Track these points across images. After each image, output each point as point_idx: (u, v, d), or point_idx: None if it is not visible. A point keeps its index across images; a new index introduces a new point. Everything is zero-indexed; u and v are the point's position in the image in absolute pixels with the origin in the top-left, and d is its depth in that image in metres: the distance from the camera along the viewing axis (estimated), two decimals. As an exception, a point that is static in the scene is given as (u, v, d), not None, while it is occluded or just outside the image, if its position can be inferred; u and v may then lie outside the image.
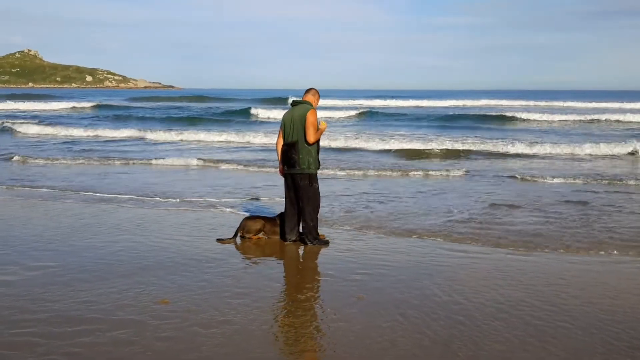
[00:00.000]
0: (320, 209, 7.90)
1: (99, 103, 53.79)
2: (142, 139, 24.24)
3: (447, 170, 14.60)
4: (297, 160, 7.44)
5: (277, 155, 7.74)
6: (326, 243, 7.63)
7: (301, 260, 7.18)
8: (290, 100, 8.24)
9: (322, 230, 8.01)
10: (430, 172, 14.48)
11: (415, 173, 14.41)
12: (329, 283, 6.20)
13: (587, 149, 18.53)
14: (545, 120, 33.67)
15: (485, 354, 4.49)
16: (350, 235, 8.20)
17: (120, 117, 38.54)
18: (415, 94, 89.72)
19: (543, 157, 17.65)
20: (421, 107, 52.51)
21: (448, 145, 19.40)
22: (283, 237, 7.89)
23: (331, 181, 12.92)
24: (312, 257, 7.23)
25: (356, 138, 21.69)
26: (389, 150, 19.22)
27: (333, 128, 26.64)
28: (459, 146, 19.34)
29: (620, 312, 5.35)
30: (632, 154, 17.82)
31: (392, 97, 66.62)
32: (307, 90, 7.79)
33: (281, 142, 7.62)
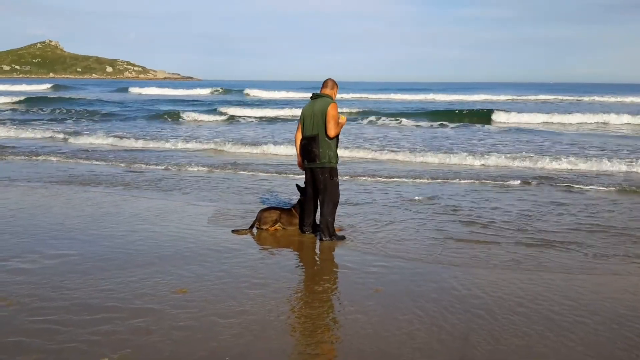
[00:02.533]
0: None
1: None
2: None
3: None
4: (317, 154, 7.29)
5: (296, 149, 7.64)
6: (342, 238, 7.52)
7: (318, 252, 7.16)
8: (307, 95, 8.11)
9: (342, 222, 7.99)
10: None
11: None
12: (346, 275, 6.19)
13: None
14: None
15: (504, 348, 4.46)
16: (369, 225, 8.15)
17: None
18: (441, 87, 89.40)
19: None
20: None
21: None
22: (301, 228, 7.88)
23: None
24: (329, 249, 7.20)
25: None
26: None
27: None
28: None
29: (642, 308, 5.28)
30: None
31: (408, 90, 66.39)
32: (325, 83, 7.58)
33: (300, 136, 7.50)
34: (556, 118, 29.51)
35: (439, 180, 12.10)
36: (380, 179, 12.33)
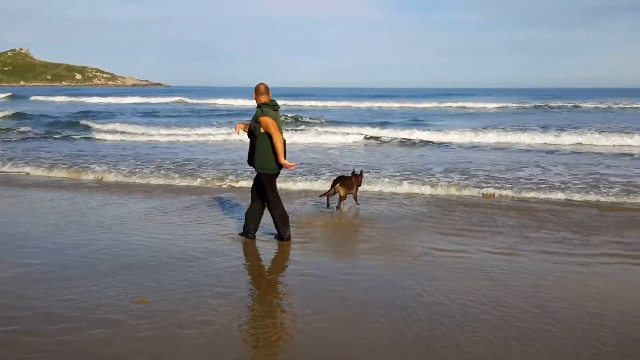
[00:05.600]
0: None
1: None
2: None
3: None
4: None
5: (283, 150, 7.49)
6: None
7: (288, 259, 7.10)
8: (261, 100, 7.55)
9: (312, 230, 7.94)
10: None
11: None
12: (314, 283, 6.13)
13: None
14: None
15: (467, 356, 4.44)
16: (336, 233, 8.13)
17: None
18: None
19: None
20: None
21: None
22: (248, 234, 7.86)
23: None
24: (296, 256, 7.14)
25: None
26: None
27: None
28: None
29: (607, 315, 5.29)
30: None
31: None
32: (267, 88, 7.52)
33: (282, 138, 7.49)
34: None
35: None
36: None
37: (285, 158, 7.43)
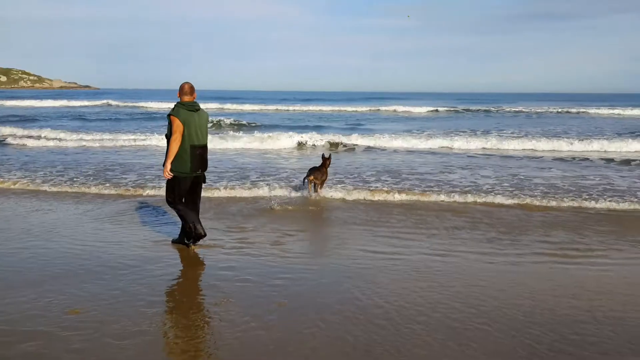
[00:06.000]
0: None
1: None
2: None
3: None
4: (207, 163, 7.51)
5: (171, 155, 7.10)
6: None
7: (223, 265, 6.98)
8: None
9: (247, 234, 7.83)
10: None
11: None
12: (249, 289, 6.04)
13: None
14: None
15: (406, 359, 4.48)
16: (272, 237, 8.07)
17: None
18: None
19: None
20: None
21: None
22: (198, 238, 7.52)
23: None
24: (232, 261, 7.02)
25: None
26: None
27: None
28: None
29: (539, 314, 5.44)
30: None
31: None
32: (189, 89, 7.29)
33: (179, 143, 7.09)
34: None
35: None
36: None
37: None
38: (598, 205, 10.51)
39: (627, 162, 16.91)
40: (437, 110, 51.70)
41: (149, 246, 7.66)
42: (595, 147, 20.50)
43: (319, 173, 11.06)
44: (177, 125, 7.05)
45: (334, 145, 20.83)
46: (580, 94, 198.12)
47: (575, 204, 10.61)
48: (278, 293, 5.90)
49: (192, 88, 7.32)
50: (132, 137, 23.23)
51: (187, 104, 7.19)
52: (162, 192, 11.31)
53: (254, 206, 10.20)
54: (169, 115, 7.16)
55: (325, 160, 11.11)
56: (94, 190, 11.88)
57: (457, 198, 11.14)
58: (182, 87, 7.29)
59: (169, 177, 7.23)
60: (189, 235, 7.46)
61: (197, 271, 6.83)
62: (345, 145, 21.04)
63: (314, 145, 21.12)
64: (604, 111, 49.88)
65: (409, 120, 38.90)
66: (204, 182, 7.62)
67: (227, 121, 32.05)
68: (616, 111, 49.49)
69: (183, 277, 6.57)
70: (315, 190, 11.09)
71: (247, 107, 55.10)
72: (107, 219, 9.28)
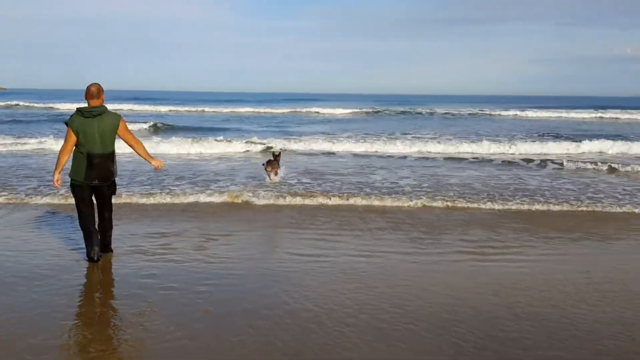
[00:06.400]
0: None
1: None
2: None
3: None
4: (113, 172, 6.96)
5: (60, 164, 6.76)
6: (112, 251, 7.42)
7: (143, 273, 6.69)
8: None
9: (170, 240, 7.61)
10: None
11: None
12: (172, 296, 5.85)
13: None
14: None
15: (337, 362, 4.46)
16: (195, 242, 7.89)
17: None
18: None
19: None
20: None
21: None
22: (90, 255, 6.97)
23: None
24: (154, 268, 6.79)
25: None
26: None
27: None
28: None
29: (463, 312, 5.54)
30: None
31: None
32: (92, 91, 6.70)
33: (69, 152, 6.71)
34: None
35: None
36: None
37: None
38: (512, 206, 10.89)
39: (528, 160, 18.03)
40: (357, 112, 52.43)
41: (64, 254, 7.30)
42: (505, 149, 21.21)
43: (275, 163, 13.07)
44: (69, 134, 6.61)
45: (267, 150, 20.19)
46: (490, 96, 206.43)
47: (490, 204, 10.95)
48: (204, 300, 5.76)
49: (99, 90, 6.76)
50: (38, 140, 21.88)
51: (85, 110, 6.64)
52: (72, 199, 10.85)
53: (174, 210, 9.95)
54: (65, 122, 6.72)
55: (276, 157, 13.19)
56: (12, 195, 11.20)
57: (379, 199, 11.27)
58: (87, 90, 6.73)
59: (58, 186, 6.89)
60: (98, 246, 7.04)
61: (118, 279, 6.56)
62: (270, 148, 20.53)
63: (246, 150, 20.42)
64: (510, 113, 53.33)
65: (331, 122, 39.00)
66: (112, 193, 7.15)
67: (145, 125, 30.92)
68: (514, 112, 53.25)
69: (103, 286, 6.29)
70: (270, 178, 12.96)
71: (163, 109, 53.75)
72: (18, 226, 8.79)
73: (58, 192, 10.68)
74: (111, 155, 6.86)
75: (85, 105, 6.78)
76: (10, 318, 5.17)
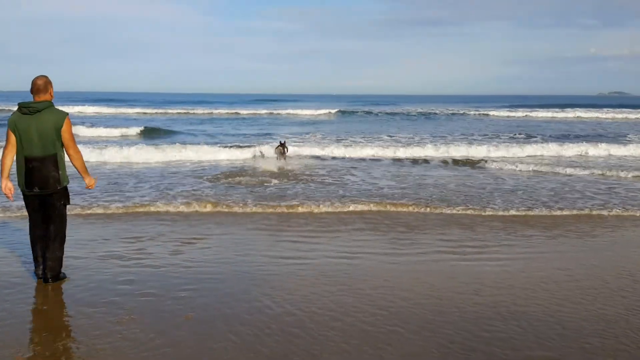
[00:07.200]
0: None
1: None
2: None
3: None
4: (58, 178, 5.99)
5: (3, 171, 5.95)
6: (65, 277, 6.41)
7: (119, 279, 6.46)
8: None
9: (145, 244, 7.40)
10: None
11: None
12: (152, 303, 5.67)
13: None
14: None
15: (324, 367, 4.36)
16: (171, 246, 7.71)
17: None
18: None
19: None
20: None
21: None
22: (36, 272, 6.41)
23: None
24: (131, 274, 6.57)
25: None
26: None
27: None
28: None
29: (448, 312, 5.49)
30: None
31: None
32: (39, 85, 5.89)
33: (12, 156, 5.95)
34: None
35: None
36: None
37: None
38: (489, 207, 10.92)
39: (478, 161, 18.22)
40: (330, 112, 52.41)
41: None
42: (484, 150, 21.15)
43: (281, 148, 16.42)
44: (8, 134, 5.88)
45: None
46: (462, 96, 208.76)
47: (467, 204, 10.97)
48: (184, 306, 5.59)
49: (46, 83, 5.92)
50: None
51: (23, 106, 5.85)
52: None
53: (149, 214, 9.75)
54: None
55: (283, 144, 16.70)
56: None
57: (356, 200, 11.20)
58: (32, 84, 5.90)
59: (9, 195, 6.00)
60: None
61: (94, 286, 6.30)
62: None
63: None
64: (479, 112, 54.36)
65: (307, 124, 38.69)
66: (64, 204, 6.24)
67: (118, 132, 29.49)
68: (484, 112, 54.20)
69: (79, 293, 6.03)
70: (279, 159, 16.02)
71: (131, 111, 52.54)
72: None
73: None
74: (53, 159, 5.93)
75: (31, 101, 5.97)
76: (-20, 329, 4.96)
